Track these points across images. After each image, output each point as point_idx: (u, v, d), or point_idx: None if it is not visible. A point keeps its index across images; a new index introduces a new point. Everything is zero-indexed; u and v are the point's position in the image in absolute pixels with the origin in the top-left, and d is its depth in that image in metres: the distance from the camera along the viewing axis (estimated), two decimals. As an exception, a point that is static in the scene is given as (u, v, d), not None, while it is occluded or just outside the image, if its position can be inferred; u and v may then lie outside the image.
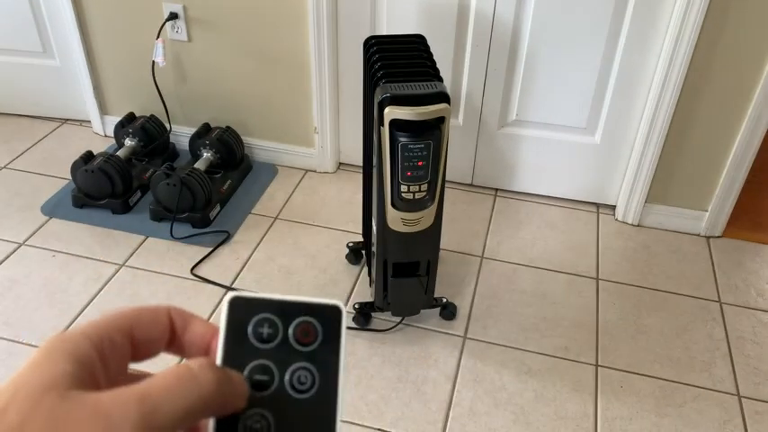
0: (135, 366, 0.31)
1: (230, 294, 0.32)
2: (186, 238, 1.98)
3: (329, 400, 0.30)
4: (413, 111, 1.28)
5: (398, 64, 1.38)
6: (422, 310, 1.72)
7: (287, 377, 0.30)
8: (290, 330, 0.31)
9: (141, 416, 0.25)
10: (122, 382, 0.27)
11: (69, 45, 2.30)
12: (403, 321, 1.73)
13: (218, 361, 0.31)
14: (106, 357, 0.28)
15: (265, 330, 0.31)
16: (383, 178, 1.38)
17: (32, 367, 0.25)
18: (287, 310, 0.31)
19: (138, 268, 1.88)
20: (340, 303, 0.32)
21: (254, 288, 1.83)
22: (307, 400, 0.30)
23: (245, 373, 0.30)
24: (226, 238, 1.99)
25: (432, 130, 1.32)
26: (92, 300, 1.78)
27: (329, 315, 0.32)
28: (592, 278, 1.91)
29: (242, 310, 0.31)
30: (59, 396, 0.24)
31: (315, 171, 2.31)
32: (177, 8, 2.08)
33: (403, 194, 1.38)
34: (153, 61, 2.15)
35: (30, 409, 0.24)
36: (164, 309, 0.31)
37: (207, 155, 2.17)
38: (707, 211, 2.04)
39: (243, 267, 1.89)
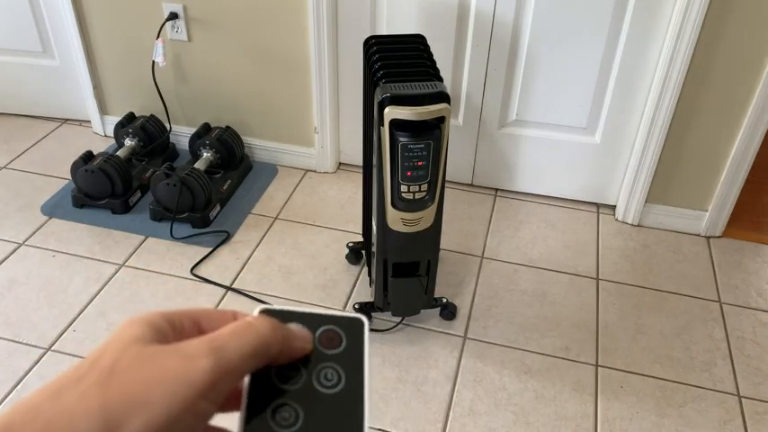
0: None
1: (260, 306, 0.34)
2: (186, 238, 1.98)
3: (356, 396, 0.32)
4: (413, 111, 1.28)
5: (398, 64, 1.38)
6: (422, 311, 1.72)
7: (314, 375, 0.32)
8: (316, 336, 0.34)
9: (212, 350, 0.28)
10: None
11: (69, 45, 2.30)
12: (403, 321, 1.73)
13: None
14: (177, 333, 0.31)
15: None
16: (383, 178, 1.38)
17: (119, 331, 0.30)
18: (313, 319, 0.34)
19: (138, 268, 1.88)
20: (363, 317, 0.35)
21: (254, 288, 1.83)
22: (334, 394, 0.32)
23: (273, 370, 0.32)
24: (226, 238, 1.99)
25: (432, 130, 1.32)
26: (92, 300, 1.78)
27: (352, 325, 0.34)
28: (592, 278, 1.91)
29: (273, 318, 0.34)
30: (143, 344, 0.29)
31: (315, 171, 2.31)
32: (177, 8, 2.08)
33: (403, 194, 1.38)
34: (153, 61, 2.15)
35: (120, 354, 0.28)
36: (230, 310, 0.34)
37: (207, 155, 2.17)
38: (707, 210, 2.04)
39: (243, 267, 1.89)
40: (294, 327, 0.33)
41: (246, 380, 0.32)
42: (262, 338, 0.30)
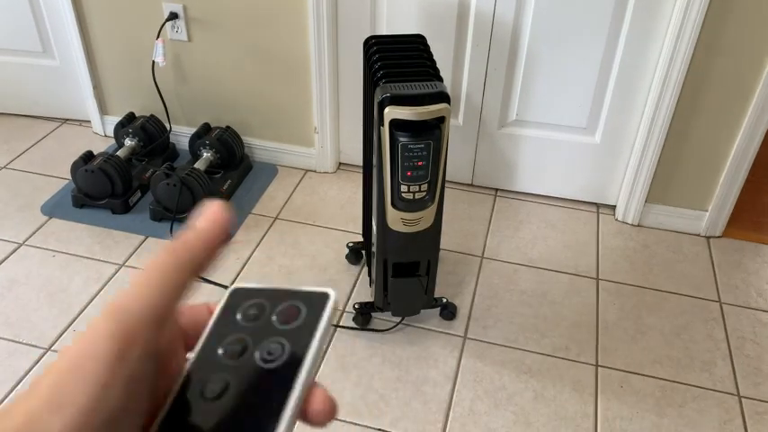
0: None
1: (233, 286, 0.33)
2: (186, 238, 1.97)
3: (292, 371, 0.30)
4: (413, 111, 1.28)
5: (398, 64, 1.38)
6: (422, 310, 1.72)
7: (259, 349, 0.31)
8: (276, 311, 0.32)
9: (111, 312, 0.25)
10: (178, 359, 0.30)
11: (69, 45, 2.30)
12: (403, 321, 1.73)
13: (202, 337, 0.32)
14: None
15: (252, 311, 0.33)
16: (383, 178, 1.38)
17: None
18: (279, 295, 0.33)
19: (138, 268, 1.88)
20: (331, 290, 0.33)
21: (254, 288, 1.82)
22: (270, 369, 0.30)
23: (222, 343, 0.31)
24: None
25: (432, 130, 1.32)
26: (92, 300, 1.78)
27: (316, 300, 0.33)
28: (592, 278, 1.91)
29: (239, 296, 0.33)
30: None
31: (315, 171, 2.31)
32: (177, 8, 2.08)
33: (403, 194, 1.38)
34: (153, 61, 2.15)
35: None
36: (201, 303, 0.33)
37: (207, 155, 2.17)
38: (707, 210, 2.04)
39: (243, 267, 1.89)
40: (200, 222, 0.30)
41: (194, 354, 0.31)
42: (167, 277, 0.27)
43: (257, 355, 0.31)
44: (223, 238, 0.29)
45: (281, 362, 0.30)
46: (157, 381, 0.28)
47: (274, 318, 0.32)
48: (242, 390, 0.30)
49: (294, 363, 0.30)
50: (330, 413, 0.29)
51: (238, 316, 0.33)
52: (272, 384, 0.30)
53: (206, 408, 0.30)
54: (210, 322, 0.33)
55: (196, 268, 0.28)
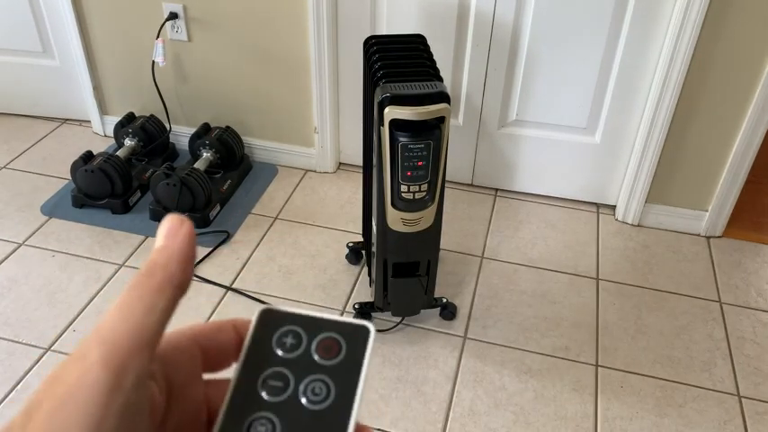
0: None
1: (262, 306, 0.32)
2: (186, 238, 1.97)
3: (342, 415, 0.29)
4: (413, 111, 1.28)
5: (398, 64, 1.38)
6: (422, 311, 1.72)
7: (302, 387, 0.30)
8: (314, 343, 0.31)
9: (99, 338, 0.24)
10: (196, 387, 0.29)
11: (69, 45, 2.30)
12: (403, 321, 1.73)
13: (237, 366, 0.31)
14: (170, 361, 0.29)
15: (288, 340, 0.31)
16: (383, 178, 1.38)
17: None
18: (315, 324, 0.31)
19: (137, 268, 1.88)
20: (370, 325, 0.32)
21: (254, 288, 1.83)
22: (318, 411, 0.29)
23: (261, 377, 0.30)
24: (226, 238, 1.99)
25: (432, 130, 1.32)
26: (92, 300, 1.78)
27: (357, 334, 0.31)
28: (592, 278, 1.91)
29: (270, 320, 0.32)
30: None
31: (315, 171, 2.31)
32: (177, 8, 2.08)
33: (403, 194, 1.38)
34: (153, 61, 2.15)
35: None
36: (227, 321, 0.31)
37: (207, 155, 2.17)
38: (707, 210, 2.04)
39: (243, 267, 1.89)
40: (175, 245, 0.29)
41: (231, 385, 0.30)
42: (148, 299, 0.26)
43: (301, 393, 0.30)
44: (190, 249, 0.28)
45: (328, 403, 0.29)
46: (171, 410, 0.28)
47: (314, 351, 0.31)
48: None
49: (343, 405, 0.29)
50: None
51: (274, 345, 0.31)
52: (323, 428, 0.29)
53: None
54: (244, 349, 0.31)
55: (175, 285, 0.27)
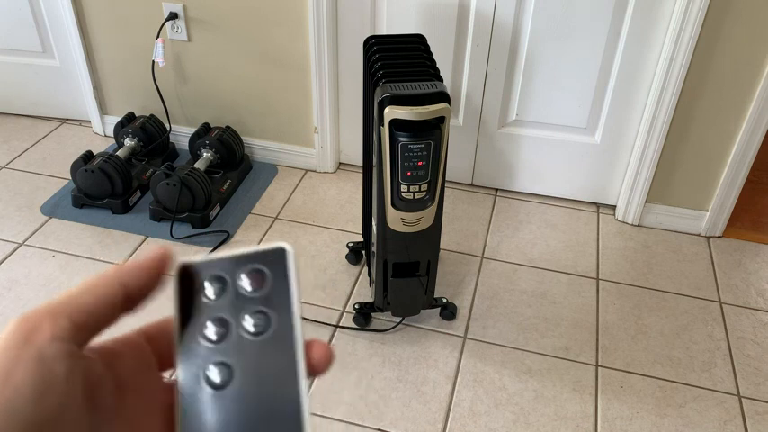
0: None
1: (178, 263, 0.32)
2: (186, 238, 1.98)
3: (288, 336, 0.30)
4: (413, 110, 1.28)
5: (398, 64, 1.38)
6: (422, 311, 1.71)
7: (242, 324, 0.31)
8: (240, 281, 0.31)
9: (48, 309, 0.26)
10: (150, 376, 0.31)
11: (69, 45, 2.30)
12: (403, 321, 1.73)
13: (175, 328, 0.31)
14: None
15: (215, 286, 0.31)
16: (383, 178, 1.38)
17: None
18: (234, 263, 0.32)
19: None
20: (284, 244, 0.32)
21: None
22: (265, 340, 0.30)
23: (204, 331, 0.31)
24: (226, 238, 1.99)
25: (432, 130, 1.32)
26: (92, 300, 1.77)
27: (275, 258, 0.32)
28: (592, 278, 1.91)
29: (192, 274, 0.32)
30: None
31: (315, 171, 2.31)
32: (177, 8, 2.08)
33: (403, 194, 1.38)
34: (153, 61, 2.15)
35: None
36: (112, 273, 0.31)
37: (207, 155, 2.17)
38: (707, 210, 2.04)
39: (243, 267, 1.89)
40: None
41: (176, 348, 0.31)
42: (91, 283, 0.29)
43: (244, 330, 0.30)
44: (151, 263, 0.30)
45: (272, 331, 0.30)
46: (124, 399, 0.29)
47: (241, 287, 0.31)
48: (248, 370, 0.30)
49: (285, 327, 0.30)
50: (330, 358, 0.31)
51: (202, 295, 0.31)
52: (275, 355, 0.30)
53: (221, 399, 0.29)
54: (175, 310, 0.31)
55: (123, 284, 0.29)
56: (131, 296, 0.30)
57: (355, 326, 1.71)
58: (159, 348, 0.32)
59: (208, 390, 0.30)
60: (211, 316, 0.31)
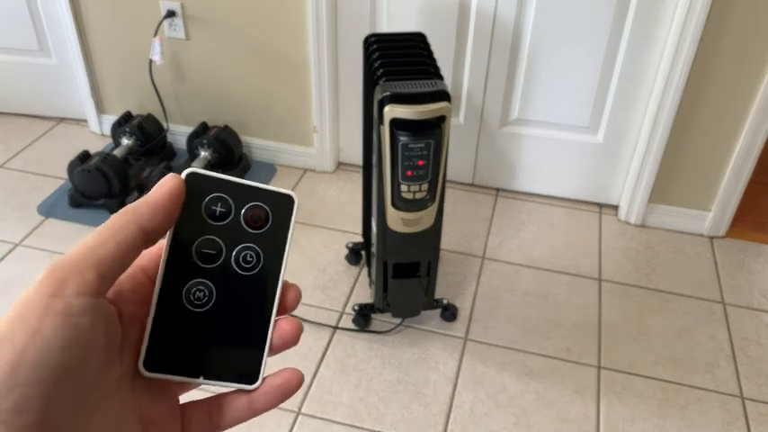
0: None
1: (188, 170, 0.32)
2: (184, 238, 1.96)
3: (271, 280, 0.33)
4: (413, 109, 1.27)
5: (399, 62, 1.36)
6: (422, 312, 1.70)
7: (233, 254, 0.32)
8: (243, 212, 0.32)
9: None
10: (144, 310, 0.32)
11: (66, 43, 2.28)
12: (403, 323, 1.72)
13: (170, 231, 0.31)
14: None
15: (218, 208, 0.32)
16: (383, 178, 1.36)
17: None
18: (242, 192, 0.32)
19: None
20: (293, 194, 0.33)
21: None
22: (249, 276, 0.32)
23: (195, 244, 0.32)
24: (224, 238, 1.97)
25: (432, 129, 1.31)
26: (88, 301, 1.76)
27: (282, 203, 0.33)
28: (594, 279, 1.89)
29: (198, 186, 0.32)
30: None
31: (314, 170, 2.29)
32: (175, 6, 2.06)
33: (403, 194, 1.37)
34: (150, 59, 2.13)
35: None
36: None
37: (205, 154, 2.15)
38: (710, 211, 2.03)
39: (241, 268, 1.88)
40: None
41: (164, 256, 0.31)
42: (108, 230, 0.29)
43: (233, 261, 0.32)
44: (167, 200, 0.30)
45: (257, 270, 0.33)
46: (126, 335, 0.30)
47: (243, 219, 0.32)
48: (226, 298, 0.32)
49: (270, 271, 0.33)
50: (298, 300, 0.35)
51: (204, 211, 0.32)
52: (254, 293, 0.33)
53: (195, 317, 0.32)
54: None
55: (141, 227, 0.29)
56: (150, 237, 0.30)
57: (355, 327, 1.70)
58: (154, 278, 0.33)
59: (184, 304, 0.31)
60: (207, 236, 0.32)
